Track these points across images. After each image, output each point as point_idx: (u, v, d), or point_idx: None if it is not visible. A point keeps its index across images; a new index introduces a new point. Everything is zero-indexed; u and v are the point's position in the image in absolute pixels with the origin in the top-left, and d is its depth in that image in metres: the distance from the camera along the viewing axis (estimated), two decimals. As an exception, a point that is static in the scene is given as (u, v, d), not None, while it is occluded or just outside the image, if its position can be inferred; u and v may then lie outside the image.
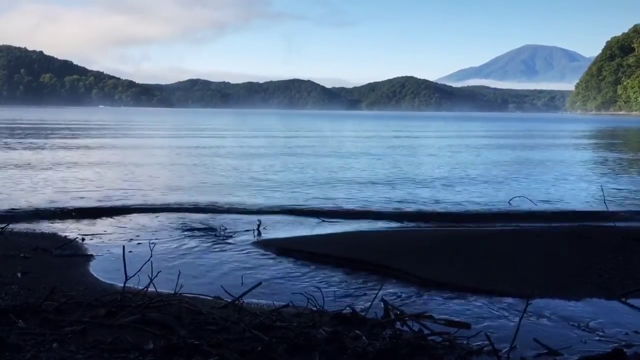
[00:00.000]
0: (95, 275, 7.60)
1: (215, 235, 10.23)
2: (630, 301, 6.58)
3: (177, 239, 9.91)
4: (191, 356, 4.22)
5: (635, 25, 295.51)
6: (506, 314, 6.13)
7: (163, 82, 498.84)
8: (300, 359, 4.38)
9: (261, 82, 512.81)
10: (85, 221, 11.42)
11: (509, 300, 6.55)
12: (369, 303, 5.80)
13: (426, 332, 5.02)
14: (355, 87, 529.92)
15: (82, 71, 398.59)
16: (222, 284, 6.57)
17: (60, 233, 10.21)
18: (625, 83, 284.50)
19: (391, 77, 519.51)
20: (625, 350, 4.99)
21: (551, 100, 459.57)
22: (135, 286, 5.83)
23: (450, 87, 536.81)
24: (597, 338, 5.48)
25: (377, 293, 6.07)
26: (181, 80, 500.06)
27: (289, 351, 4.41)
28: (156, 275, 5.70)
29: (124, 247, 6.77)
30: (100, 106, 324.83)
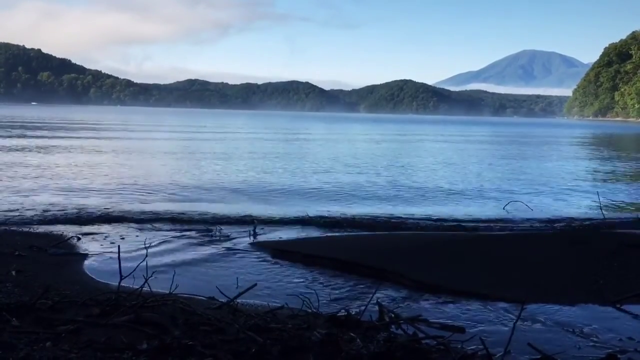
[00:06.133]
0: (90, 274, 7.58)
1: (211, 237, 10.22)
2: (625, 307, 6.60)
3: (173, 240, 9.89)
4: (185, 357, 4.21)
5: (633, 32, 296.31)
6: (501, 318, 6.13)
7: (162, 82, 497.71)
8: (294, 361, 4.37)
9: (259, 83, 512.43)
10: (81, 221, 11.36)
11: (504, 304, 6.56)
12: (364, 306, 5.79)
13: (420, 335, 5.02)
14: (353, 89, 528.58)
15: (81, 70, 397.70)
16: (217, 284, 6.56)
17: (55, 232, 10.18)
18: (622, 89, 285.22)
19: (390, 80, 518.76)
20: (619, 356, 5.01)
21: (549, 106, 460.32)
22: (130, 286, 5.82)
23: (449, 90, 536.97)
24: (591, 344, 5.49)
25: (372, 296, 6.07)
26: (180, 80, 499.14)
27: (283, 353, 4.40)
28: (151, 275, 5.68)
29: (119, 246, 6.78)
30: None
